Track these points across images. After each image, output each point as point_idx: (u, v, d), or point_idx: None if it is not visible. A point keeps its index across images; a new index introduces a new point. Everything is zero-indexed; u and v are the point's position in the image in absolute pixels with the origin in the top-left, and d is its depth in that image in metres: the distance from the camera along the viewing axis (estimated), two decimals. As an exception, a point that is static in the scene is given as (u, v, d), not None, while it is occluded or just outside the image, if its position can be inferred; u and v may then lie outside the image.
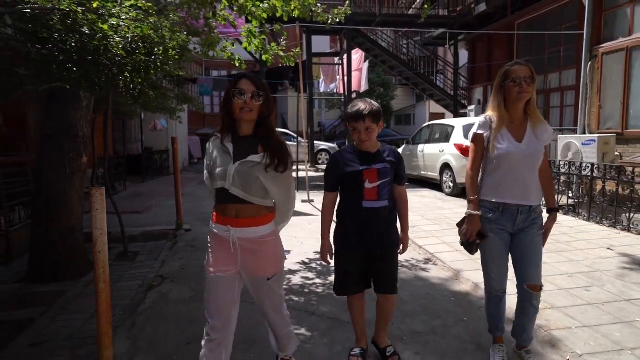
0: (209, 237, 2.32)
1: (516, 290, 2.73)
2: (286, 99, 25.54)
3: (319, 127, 27.06)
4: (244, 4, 5.19)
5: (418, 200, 8.72)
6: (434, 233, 6.01)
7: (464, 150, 8.84)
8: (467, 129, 9.21)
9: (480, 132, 2.59)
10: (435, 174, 9.91)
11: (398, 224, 2.69)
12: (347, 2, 7.10)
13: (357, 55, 17.50)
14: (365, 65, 17.92)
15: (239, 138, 2.23)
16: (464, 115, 15.76)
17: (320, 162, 17.48)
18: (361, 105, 2.46)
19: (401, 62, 17.16)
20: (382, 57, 16.99)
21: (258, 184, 2.18)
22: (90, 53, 2.32)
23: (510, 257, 2.69)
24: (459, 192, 9.02)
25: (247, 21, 5.81)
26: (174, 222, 6.53)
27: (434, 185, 10.20)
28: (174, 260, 5.00)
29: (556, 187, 7.07)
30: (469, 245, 2.67)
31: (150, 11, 2.53)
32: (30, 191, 5.77)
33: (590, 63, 8.01)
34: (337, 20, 6.07)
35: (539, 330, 3.16)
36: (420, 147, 10.66)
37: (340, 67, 17.83)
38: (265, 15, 5.38)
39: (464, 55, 17.27)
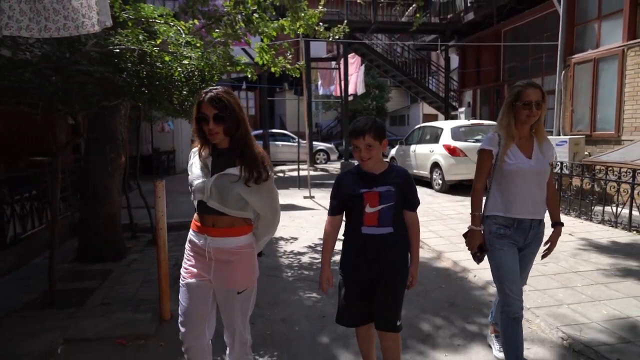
0: (186, 244, 2.32)
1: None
2: (284, 101, 26.34)
3: (316, 128, 27.88)
4: (257, 24, 6.03)
5: (410, 196, 9.58)
6: (422, 223, 6.77)
7: (451, 150, 9.70)
8: (455, 130, 10.10)
9: (488, 148, 2.59)
10: (426, 172, 10.76)
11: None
12: (345, 22, 7.94)
13: (354, 59, 18.33)
14: (362, 69, 18.77)
15: (217, 151, 2.22)
16: (455, 117, 16.64)
17: (318, 161, 18.30)
18: (362, 121, 2.30)
19: (395, 67, 18.04)
20: (377, 62, 17.86)
21: (236, 197, 2.17)
22: (157, 79, 3.14)
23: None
24: (447, 188, 9.87)
25: (256, 35, 6.63)
26: (191, 215, 7.35)
27: (425, 182, 11.05)
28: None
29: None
30: (473, 256, 2.72)
31: (202, 49, 3.34)
32: (67, 187, 6.58)
33: (564, 71, 8.90)
34: (337, 37, 6.92)
35: (494, 288, 4.02)
36: (413, 147, 11.51)
37: (337, 71, 18.67)
38: (274, 33, 6.22)
39: (455, 60, 18.16)
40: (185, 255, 2.31)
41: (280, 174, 14.77)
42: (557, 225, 2.71)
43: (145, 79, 3.15)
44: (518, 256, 2.62)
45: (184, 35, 3.43)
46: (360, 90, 18.97)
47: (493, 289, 4.12)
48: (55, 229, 3.96)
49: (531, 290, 4.00)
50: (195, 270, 2.24)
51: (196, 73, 3.27)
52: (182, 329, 2.24)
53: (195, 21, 5.86)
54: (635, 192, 5.93)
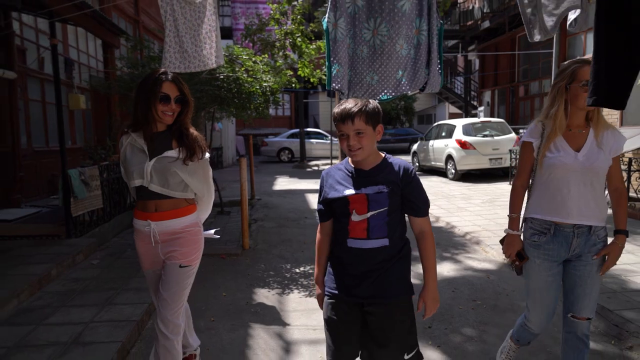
0: (134, 234, 2.35)
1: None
2: (317, 102, 28.26)
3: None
4: (300, 45, 7.92)
5: (426, 184, 11.20)
6: (431, 200, 8.56)
7: (462, 144, 11.31)
8: (466, 127, 11.71)
9: (528, 140, 2.22)
10: (441, 164, 12.39)
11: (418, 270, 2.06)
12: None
13: (381, 64, 20.01)
14: None
15: (152, 135, 2.22)
16: (475, 115, 18.07)
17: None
18: (350, 103, 1.83)
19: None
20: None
21: (176, 178, 2.20)
22: (243, 94, 5.02)
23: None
24: (459, 177, 11.48)
25: (300, 56, 8.51)
26: (237, 195, 9.32)
27: (441, 173, 12.65)
28: (258, 213, 7.77)
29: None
30: (511, 265, 2.38)
31: (272, 72, 5.22)
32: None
33: (558, 76, 10.38)
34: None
35: (469, 236, 5.73)
36: (431, 142, 13.16)
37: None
38: (313, 52, 8.10)
39: (477, 63, 19.60)
40: (135, 245, 2.33)
41: (315, 168, 16.62)
42: (618, 234, 2.15)
43: (235, 93, 5.05)
44: (560, 275, 2.20)
45: (260, 64, 5.34)
46: (388, 91, 20.61)
47: (470, 235, 5.85)
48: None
49: (495, 237, 5.69)
50: (149, 259, 2.31)
51: (267, 89, 5.15)
52: (155, 301, 2.34)
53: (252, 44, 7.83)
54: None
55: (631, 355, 2.91)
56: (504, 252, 2.34)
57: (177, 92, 2.20)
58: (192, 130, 2.29)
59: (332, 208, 1.92)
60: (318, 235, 2.02)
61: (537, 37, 2.45)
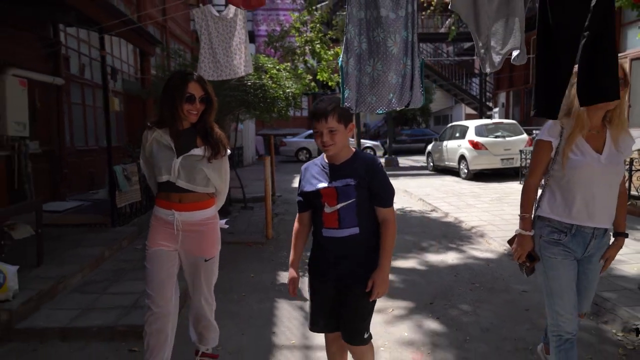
0: (152, 220, 2.42)
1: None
2: (335, 103, 28.79)
3: (364, 127, 30.12)
4: (319, 52, 8.47)
5: (440, 183, 11.67)
6: (442, 198, 9.06)
7: (474, 145, 11.71)
8: (478, 128, 12.10)
9: (547, 139, 2.15)
10: (454, 164, 12.79)
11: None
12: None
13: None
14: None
15: (178, 132, 2.31)
16: (490, 117, 18.37)
17: (365, 157, 20.56)
18: (324, 102, 2.01)
19: (436, 72, 20.01)
20: (418, 68, 19.96)
21: (201, 175, 2.31)
22: (269, 98, 5.59)
23: None
24: (471, 176, 11.88)
25: (319, 61, 9.06)
26: (260, 191, 9.87)
27: (455, 172, 13.06)
28: (279, 208, 8.36)
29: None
30: (520, 266, 2.34)
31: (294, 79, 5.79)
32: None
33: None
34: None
35: (475, 229, 6.21)
36: (445, 143, 13.56)
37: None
38: (331, 58, 8.65)
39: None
40: (151, 229, 2.41)
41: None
42: (620, 236, 2.23)
43: (261, 98, 5.63)
44: (576, 270, 2.19)
45: (284, 73, 5.91)
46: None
47: (476, 229, 6.32)
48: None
49: (499, 231, 6.15)
50: (161, 241, 2.37)
51: (290, 94, 5.71)
52: (151, 293, 2.33)
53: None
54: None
55: (605, 327, 3.37)
56: (514, 254, 2.27)
57: (202, 92, 2.30)
58: (216, 129, 2.41)
59: (309, 200, 2.11)
60: (296, 224, 2.22)
61: (488, 70, 3.00)
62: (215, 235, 2.47)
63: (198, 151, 2.31)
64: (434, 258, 5.17)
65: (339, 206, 1.99)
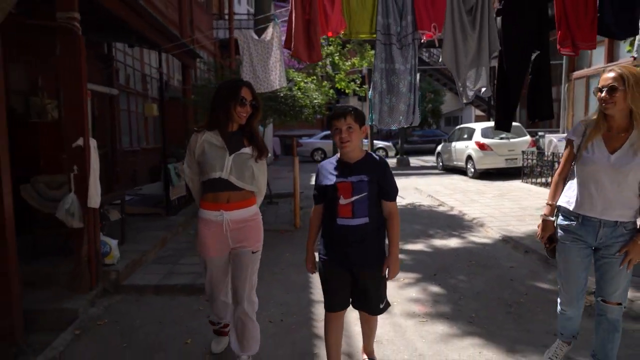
0: (199, 225, 2.59)
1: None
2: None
3: (376, 129, 30.98)
4: (337, 63, 9.45)
5: (448, 181, 12.56)
6: (449, 194, 9.97)
7: (481, 146, 12.59)
8: (484, 130, 12.96)
9: (570, 138, 2.45)
10: (462, 163, 13.67)
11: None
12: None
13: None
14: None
15: (227, 133, 2.51)
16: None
17: (378, 157, 21.48)
18: (343, 106, 2.40)
19: (446, 76, 20.86)
20: (429, 71, 20.79)
21: (250, 172, 2.52)
22: (297, 106, 6.56)
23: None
24: (477, 175, 12.75)
25: (337, 71, 10.03)
26: (285, 188, 10.86)
27: (462, 171, 13.94)
28: (302, 203, 9.31)
29: (539, 169, 10.67)
30: (545, 249, 2.63)
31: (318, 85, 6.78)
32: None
33: (567, 84, 11.55)
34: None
35: (476, 220, 7.14)
36: (453, 144, 14.44)
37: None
38: (348, 68, 9.64)
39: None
40: (199, 236, 2.59)
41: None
42: (638, 232, 2.31)
43: (291, 107, 6.62)
44: (588, 258, 2.41)
45: (311, 85, 6.90)
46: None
47: (477, 220, 7.23)
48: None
49: (496, 222, 7.06)
50: (212, 247, 2.57)
51: (316, 104, 6.69)
52: (210, 291, 2.71)
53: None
54: None
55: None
56: (537, 235, 2.61)
57: (251, 97, 2.53)
58: (259, 133, 2.64)
59: (325, 193, 2.41)
60: (312, 214, 2.58)
61: (464, 101, 4.03)
62: (260, 230, 2.69)
63: (247, 150, 2.55)
64: (439, 242, 6.12)
65: (353, 198, 2.31)
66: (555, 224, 2.53)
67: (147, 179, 9.44)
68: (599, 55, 10.45)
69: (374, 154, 2.49)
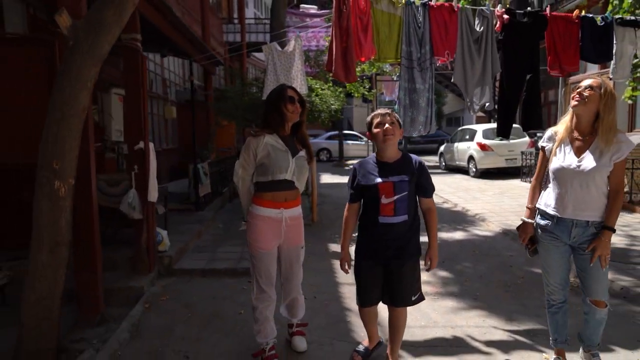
0: (254, 220, 2.74)
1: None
2: (352, 107, 30.36)
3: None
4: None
5: (451, 180, 13.19)
6: (452, 192, 10.61)
7: (482, 146, 13.21)
8: (486, 131, 13.59)
9: (543, 144, 2.61)
10: (464, 163, 14.30)
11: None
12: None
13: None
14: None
15: (284, 137, 2.68)
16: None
17: (381, 157, 22.15)
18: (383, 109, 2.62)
19: (447, 79, 21.47)
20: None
21: (305, 174, 2.75)
22: (315, 111, 7.18)
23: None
24: (479, 174, 13.38)
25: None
26: (308, 186, 11.50)
27: (464, 171, 14.57)
28: (320, 199, 9.99)
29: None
30: (525, 248, 2.78)
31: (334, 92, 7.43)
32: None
33: (564, 88, 12.19)
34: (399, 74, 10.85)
35: (478, 215, 7.78)
36: (456, 144, 15.06)
37: (398, 83, 22.51)
38: (359, 73, 10.25)
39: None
40: (255, 230, 2.73)
41: (352, 166, 18.69)
42: (604, 229, 2.41)
43: (310, 112, 7.24)
44: (567, 254, 2.57)
45: (327, 91, 7.52)
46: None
47: (479, 215, 7.86)
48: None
49: (497, 217, 7.69)
50: (269, 240, 2.74)
51: (333, 110, 7.31)
52: (263, 281, 2.80)
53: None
54: None
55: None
56: (519, 237, 2.77)
57: (297, 96, 2.74)
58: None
59: (362, 193, 2.53)
60: (346, 212, 2.67)
61: (472, 113, 4.65)
62: (303, 226, 2.96)
63: (303, 153, 2.78)
64: (445, 235, 6.75)
65: (395, 197, 2.42)
66: (535, 225, 2.69)
67: (167, 178, 10.07)
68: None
69: (409, 155, 2.61)
